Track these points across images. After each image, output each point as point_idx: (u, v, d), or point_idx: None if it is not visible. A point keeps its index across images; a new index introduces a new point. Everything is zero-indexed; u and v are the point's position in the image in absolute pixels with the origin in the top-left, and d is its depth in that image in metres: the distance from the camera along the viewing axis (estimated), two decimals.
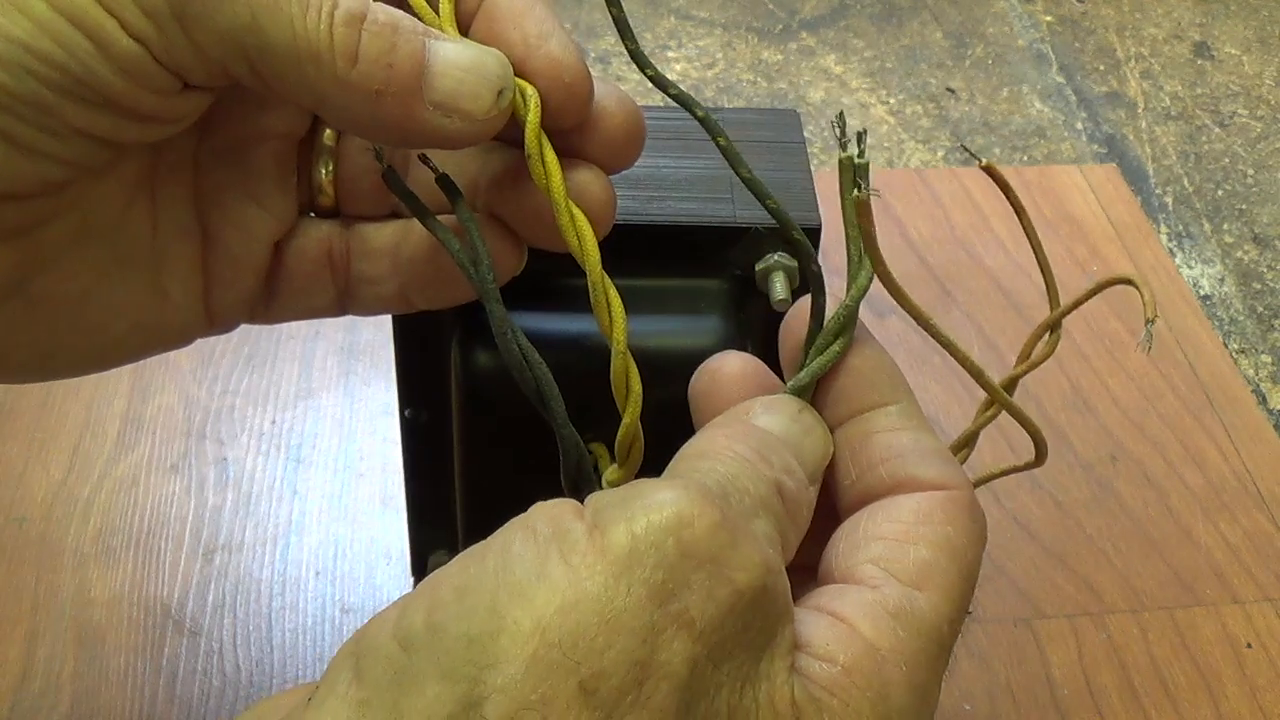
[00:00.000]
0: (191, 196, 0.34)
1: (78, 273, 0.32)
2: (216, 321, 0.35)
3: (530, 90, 0.32)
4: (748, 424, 0.29)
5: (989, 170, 0.31)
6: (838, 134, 0.30)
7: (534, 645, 0.23)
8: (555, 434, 0.32)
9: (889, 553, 0.28)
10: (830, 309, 0.32)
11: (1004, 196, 0.32)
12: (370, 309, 0.36)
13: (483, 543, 0.25)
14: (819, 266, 0.32)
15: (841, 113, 0.30)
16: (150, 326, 0.34)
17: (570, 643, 0.23)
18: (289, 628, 0.49)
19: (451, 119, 0.30)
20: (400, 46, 0.29)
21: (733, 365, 0.32)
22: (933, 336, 0.31)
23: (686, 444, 0.29)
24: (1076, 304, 0.33)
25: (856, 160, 0.30)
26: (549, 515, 0.25)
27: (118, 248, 0.32)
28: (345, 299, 0.36)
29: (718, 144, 0.32)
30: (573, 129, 0.32)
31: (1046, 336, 0.34)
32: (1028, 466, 0.34)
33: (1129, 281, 0.32)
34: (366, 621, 0.25)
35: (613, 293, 0.32)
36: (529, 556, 0.24)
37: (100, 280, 0.32)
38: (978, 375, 0.32)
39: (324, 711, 0.24)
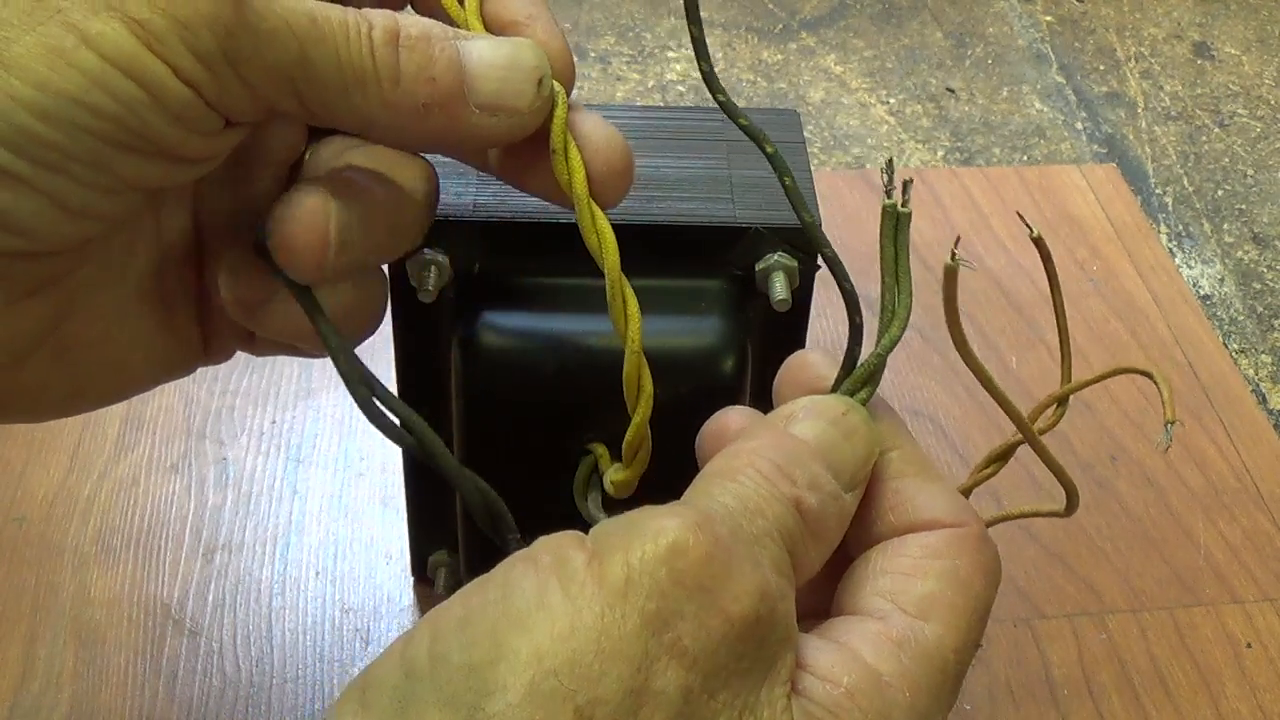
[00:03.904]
0: (192, 228, 0.34)
1: (101, 313, 0.32)
2: (213, 351, 0.35)
3: (558, 85, 0.31)
4: (779, 434, 0.29)
5: (1038, 243, 0.31)
6: (885, 181, 0.30)
7: (532, 673, 0.23)
8: (451, 484, 0.31)
9: (895, 586, 0.28)
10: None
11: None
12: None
13: (487, 574, 0.25)
14: (851, 284, 0.32)
15: (890, 160, 0.30)
16: (160, 359, 0.34)
17: (567, 670, 0.23)
18: (289, 628, 0.49)
19: (498, 118, 0.30)
20: (438, 57, 0.29)
21: (736, 422, 0.31)
22: (996, 400, 0.31)
23: (716, 456, 0.29)
24: (1088, 383, 0.33)
25: (900, 209, 0.30)
26: (551, 546, 0.25)
27: (131, 283, 0.32)
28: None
29: (784, 183, 0.32)
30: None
31: (1053, 409, 0.34)
32: (1053, 514, 0.35)
33: (1148, 375, 0.32)
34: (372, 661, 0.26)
35: (629, 293, 0.32)
36: (529, 587, 0.24)
37: (119, 318, 0.32)
38: (1026, 431, 0.32)
39: None
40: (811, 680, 0.26)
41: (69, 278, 0.30)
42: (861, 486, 0.30)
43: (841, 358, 0.31)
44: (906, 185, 0.30)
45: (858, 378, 0.31)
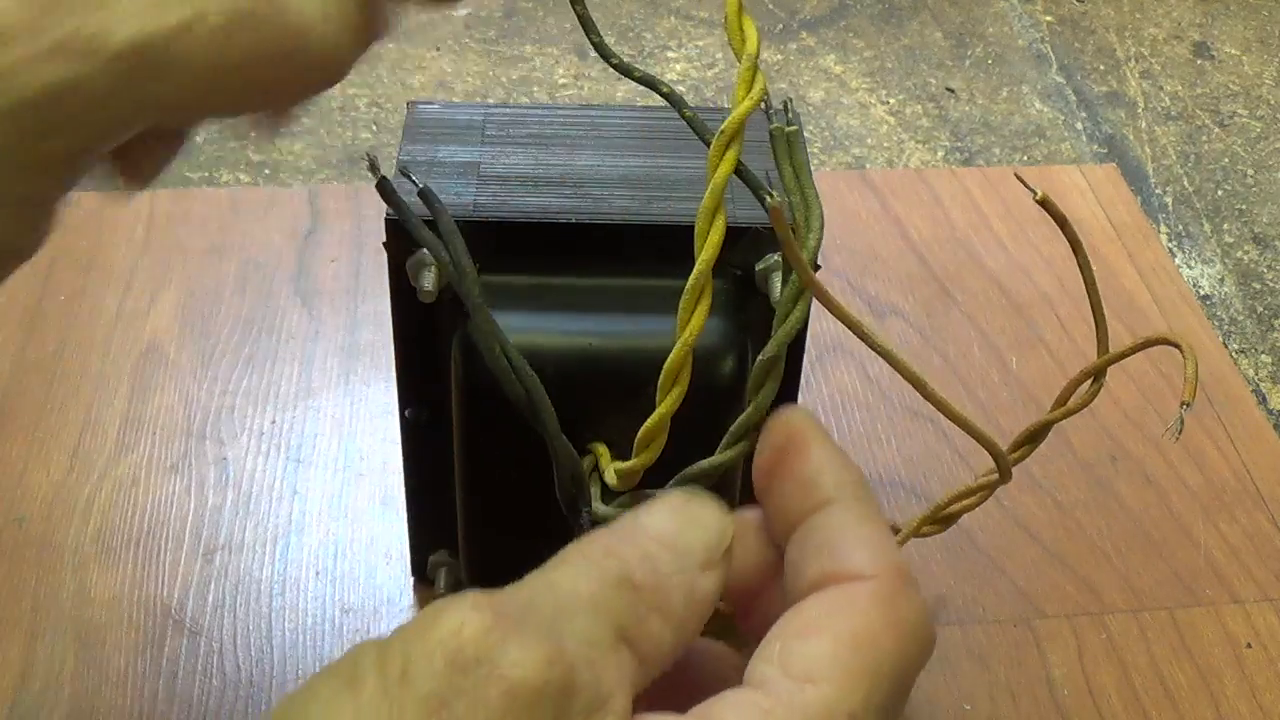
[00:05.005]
0: None
1: None
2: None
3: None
4: (622, 521, 0.28)
5: (1045, 205, 0.29)
6: (764, 107, 0.29)
7: None
8: (548, 445, 0.32)
9: (784, 649, 0.26)
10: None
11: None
12: None
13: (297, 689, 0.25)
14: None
15: (765, 92, 0.29)
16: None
17: None
18: (289, 628, 0.49)
19: None
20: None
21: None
22: (863, 339, 0.29)
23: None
24: (1120, 356, 0.31)
25: (787, 129, 0.29)
26: (351, 651, 0.25)
27: None
28: None
29: (683, 115, 0.33)
30: None
31: (1088, 384, 0.32)
32: (989, 486, 0.33)
33: (1177, 345, 0.30)
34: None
35: (708, 293, 0.31)
36: (324, 692, 0.24)
37: None
38: (926, 391, 0.30)
39: None
40: None
41: None
42: (719, 566, 0.28)
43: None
44: (787, 104, 0.29)
45: (754, 383, 0.30)
